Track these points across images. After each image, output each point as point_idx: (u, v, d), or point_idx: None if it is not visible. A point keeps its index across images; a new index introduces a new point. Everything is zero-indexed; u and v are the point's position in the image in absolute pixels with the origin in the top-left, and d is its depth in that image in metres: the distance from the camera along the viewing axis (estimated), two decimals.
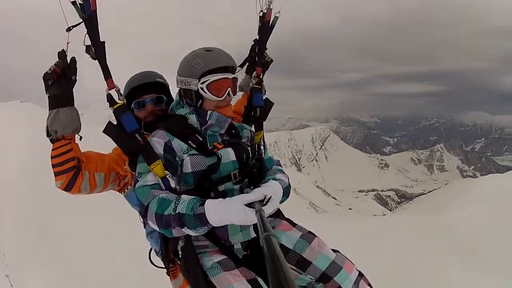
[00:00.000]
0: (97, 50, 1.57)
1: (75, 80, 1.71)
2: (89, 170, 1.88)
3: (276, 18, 2.03)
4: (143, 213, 1.52)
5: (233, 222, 1.39)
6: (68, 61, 1.67)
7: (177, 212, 1.41)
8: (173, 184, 1.54)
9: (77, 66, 1.70)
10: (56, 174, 1.79)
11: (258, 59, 2.08)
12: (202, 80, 1.64)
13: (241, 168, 1.71)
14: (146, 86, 2.06)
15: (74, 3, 1.52)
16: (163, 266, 2.00)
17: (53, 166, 1.78)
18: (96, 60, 1.58)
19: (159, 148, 1.59)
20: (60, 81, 1.68)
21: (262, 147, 1.91)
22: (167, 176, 1.54)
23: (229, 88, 1.69)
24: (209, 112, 1.70)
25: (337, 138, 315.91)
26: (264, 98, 2.05)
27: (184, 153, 1.63)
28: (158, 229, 1.48)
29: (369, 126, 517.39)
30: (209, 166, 1.63)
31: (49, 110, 1.72)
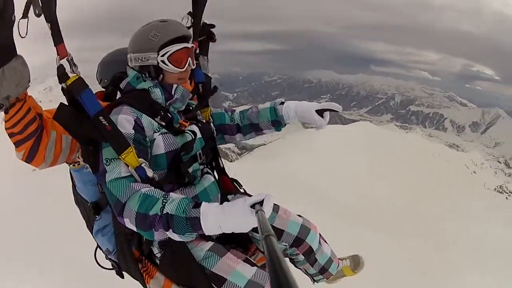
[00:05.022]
0: (46, 4, 1.23)
1: (14, 20, 1.25)
2: (56, 130, 1.56)
3: None
4: (118, 211, 1.31)
5: (232, 229, 1.20)
6: None
7: (164, 212, 1.24)
8: (149, 173, 1.38)
9: None
10: (17, 144, 1.48)
11: (193, 32, 1.90)
12: (162, 53, 1.54)
13: (203, 147, 1.67)
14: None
15: None
16: (111, 268, 1.85)
17: (11, 135, 1.46)
18: (41, 17, 1.24)
19: (128, 127, 1.42)
20: None
21: (212, 125, 1.85)
22: (142, 165, 1.36)
23: (189, 58, 1.60)
24: (174, 85, 1.60)
25: None
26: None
27: (154, 132, 1.51)
28: (135, 229, 1.31)
29: None
30: (183, 145, 1.56)
31: None
